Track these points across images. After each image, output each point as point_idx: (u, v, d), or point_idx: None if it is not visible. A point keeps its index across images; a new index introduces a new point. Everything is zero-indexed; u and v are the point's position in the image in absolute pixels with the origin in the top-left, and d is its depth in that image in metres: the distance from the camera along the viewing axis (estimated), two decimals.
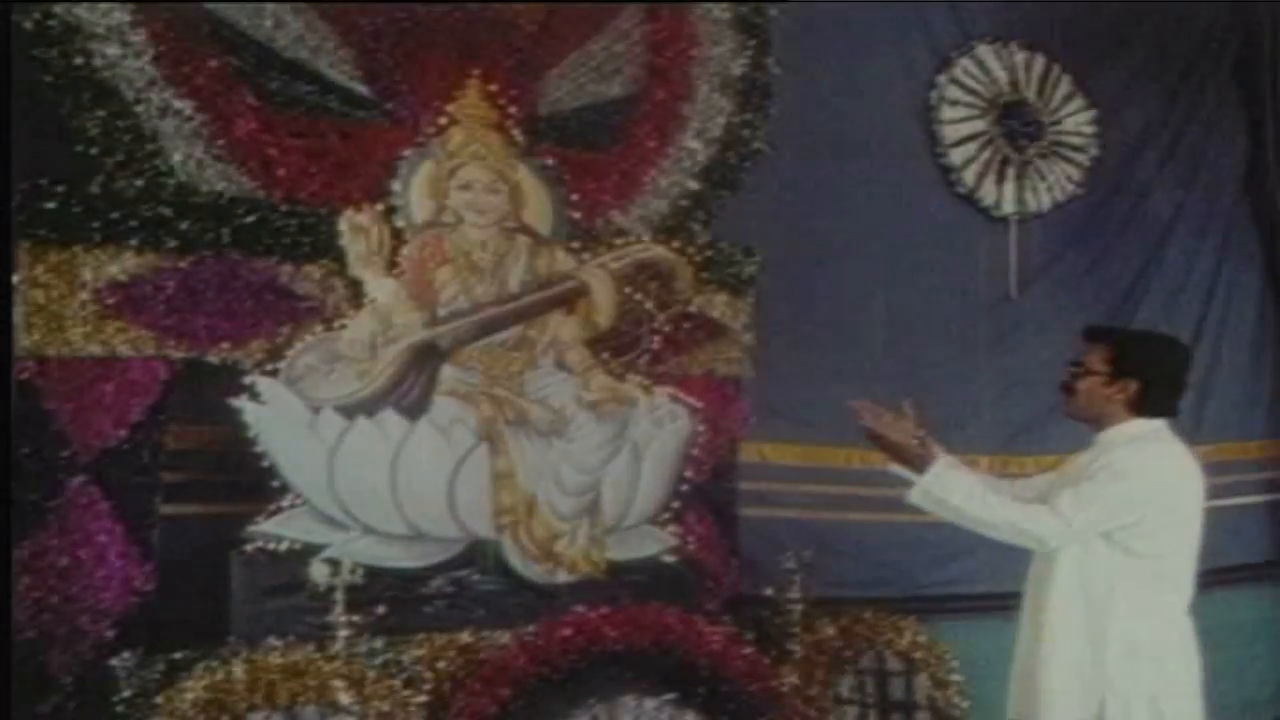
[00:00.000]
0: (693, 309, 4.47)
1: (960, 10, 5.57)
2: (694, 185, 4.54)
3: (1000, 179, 5.57)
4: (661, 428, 4.26)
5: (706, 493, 4.52)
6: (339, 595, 3.31)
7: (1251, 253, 6.28)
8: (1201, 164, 6.15)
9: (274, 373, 3.69)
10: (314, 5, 3.91)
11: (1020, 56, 5.65)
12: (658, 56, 4.52)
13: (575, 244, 4.23)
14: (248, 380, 3.64)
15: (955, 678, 4.23)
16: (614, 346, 4.26)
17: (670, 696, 3.66)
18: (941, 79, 5.46)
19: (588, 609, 3.69)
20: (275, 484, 3.64)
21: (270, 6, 3.83)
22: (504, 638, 3.72)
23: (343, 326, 3.82)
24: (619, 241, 4.32)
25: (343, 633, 3.27)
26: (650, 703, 3.63)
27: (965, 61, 5.52)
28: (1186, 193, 6.09)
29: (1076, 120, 5.78)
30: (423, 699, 3.32)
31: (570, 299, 4.18)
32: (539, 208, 4.19)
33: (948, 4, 5.53)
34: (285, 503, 3.65)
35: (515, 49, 4.23)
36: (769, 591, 4.30)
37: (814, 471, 5.06)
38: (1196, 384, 5.98)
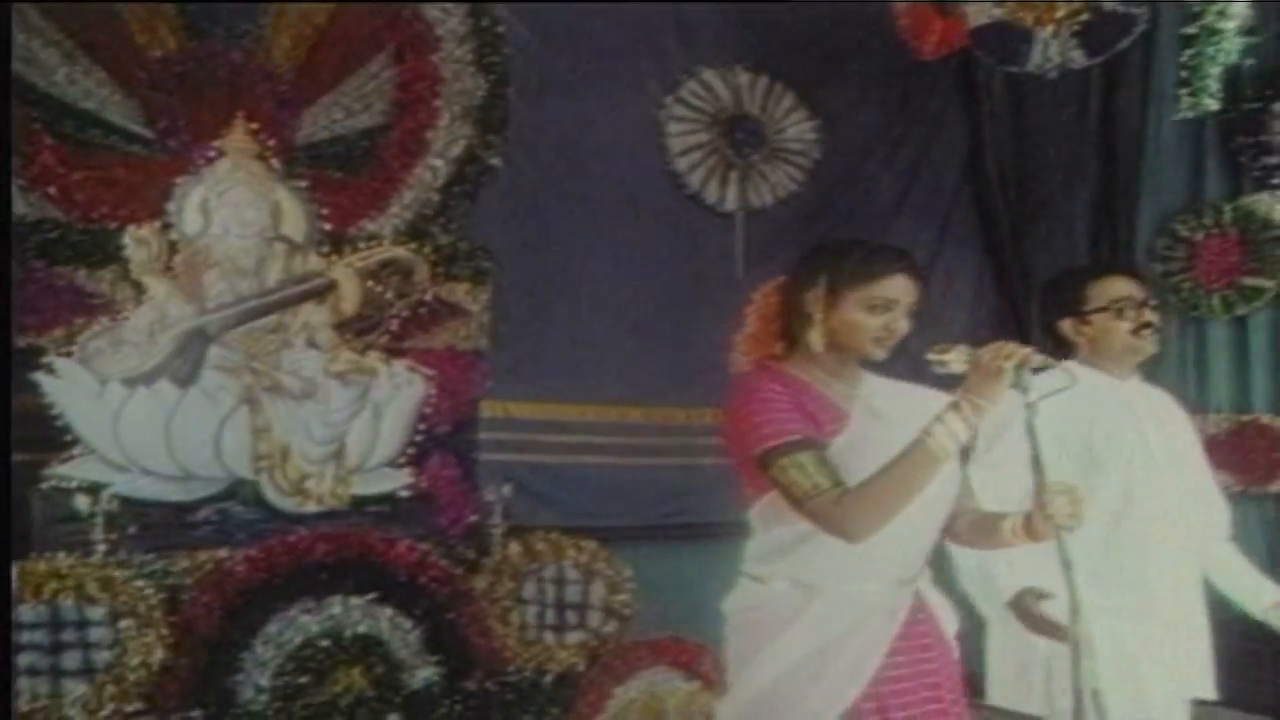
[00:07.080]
0: (436, 296, 5.57)
1: (689, 37, 6.39)
2: (436, 197, 5.55)
3: (724, 182, 6.43)
4: (400, 391, 5.39)
5: (450, 442, 5.63)
6: (99, 519, 4.48)
7: (969, 235, 7.20)
8: (924, 163, 6.97)
9: (69, 354, 4.81)
10: (103, 65, 4.97)
11: (744, 78, 6.48)
12: (405, 93, 5.51)
13: (326, 249, 5.32)
14: (46, 360, 4.76)
15: (629, 585, 5.16)
16: (359, 329, 5.38)
17: (372, 596, 4.79)
18: (668, 100, 6.33)
19: (307, 531, 4.84)
20: (68, 438, 4.78)
21: (63, 69, 4.89)
22: None
23: (126, 318, 4.93)
24: (364, 245, 5.42)
25: (101, 547, 4.45)
26: (355, 600, 4.75)
27: (692, 84, 6.36)
28: (909, 186, 6.94)
29: (800, 129, 6.58)
30: (162, 596, 4.46)
31: (321, 292, 5.29)
32: (295, 221, 5.24)
33: (678, 30, 6.37)
34: (77, 452, 4.80)
35: (275, 92, 5.27)
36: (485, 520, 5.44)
37: (551, 424, 6.12)
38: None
